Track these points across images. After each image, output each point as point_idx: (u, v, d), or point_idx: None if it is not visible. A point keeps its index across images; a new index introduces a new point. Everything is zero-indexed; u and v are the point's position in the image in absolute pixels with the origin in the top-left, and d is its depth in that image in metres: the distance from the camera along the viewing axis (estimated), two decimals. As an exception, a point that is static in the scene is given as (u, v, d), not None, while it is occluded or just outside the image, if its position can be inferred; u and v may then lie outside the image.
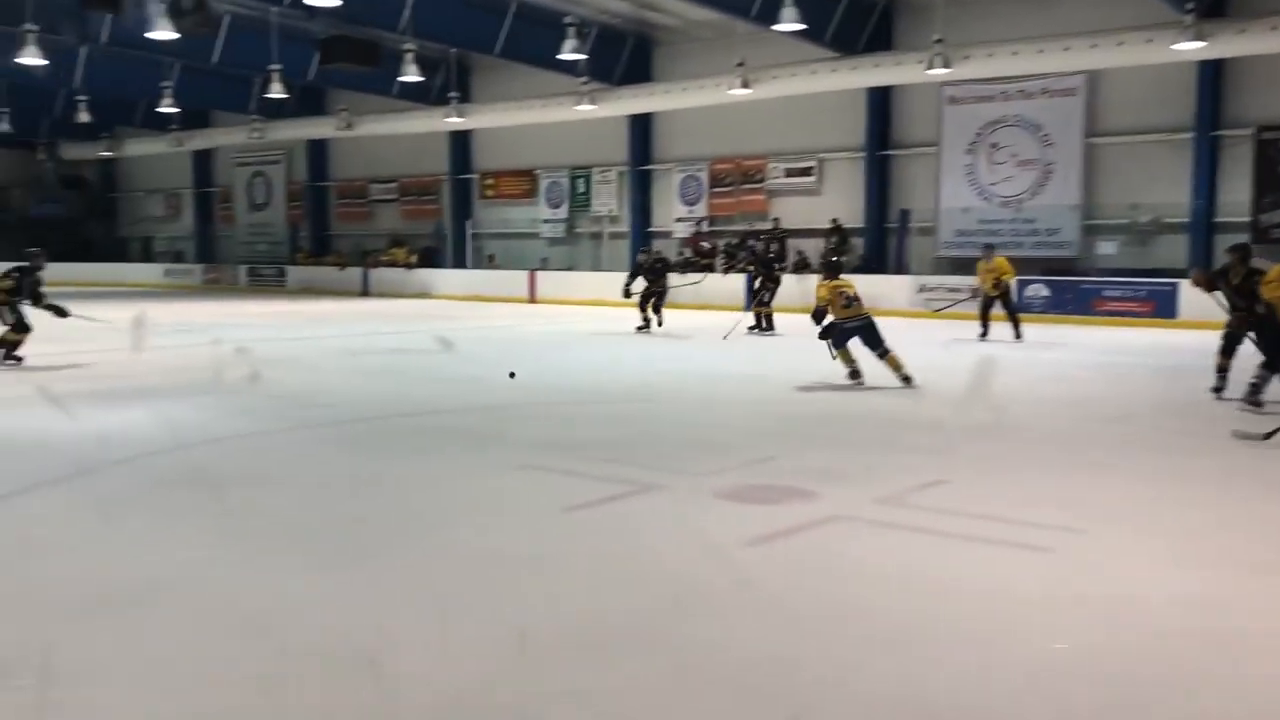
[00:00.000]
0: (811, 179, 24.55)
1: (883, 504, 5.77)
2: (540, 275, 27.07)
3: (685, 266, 24.86)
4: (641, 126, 26.70)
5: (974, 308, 16.25)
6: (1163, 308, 18.29)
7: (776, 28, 18.11)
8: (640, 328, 17.38)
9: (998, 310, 15.68)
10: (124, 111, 32.83)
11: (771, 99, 22.46)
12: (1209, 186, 19.55)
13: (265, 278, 33.66)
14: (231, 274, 34.74)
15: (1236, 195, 19.46)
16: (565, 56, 21.65)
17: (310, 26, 22.10)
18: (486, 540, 5.17)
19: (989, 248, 16.49)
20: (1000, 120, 21.86)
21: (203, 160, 37.38)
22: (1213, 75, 19.23)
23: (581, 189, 28.38)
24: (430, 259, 30.65)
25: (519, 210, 29.60)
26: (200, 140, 34.58)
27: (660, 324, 17.47)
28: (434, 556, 4.91)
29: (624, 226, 27.36)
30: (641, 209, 27.08)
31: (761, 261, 18.79)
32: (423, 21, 20.78)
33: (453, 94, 26.36)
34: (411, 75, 22.17)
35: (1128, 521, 5.52)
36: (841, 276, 10.97)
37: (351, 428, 8.48)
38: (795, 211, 24.57)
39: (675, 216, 26.57)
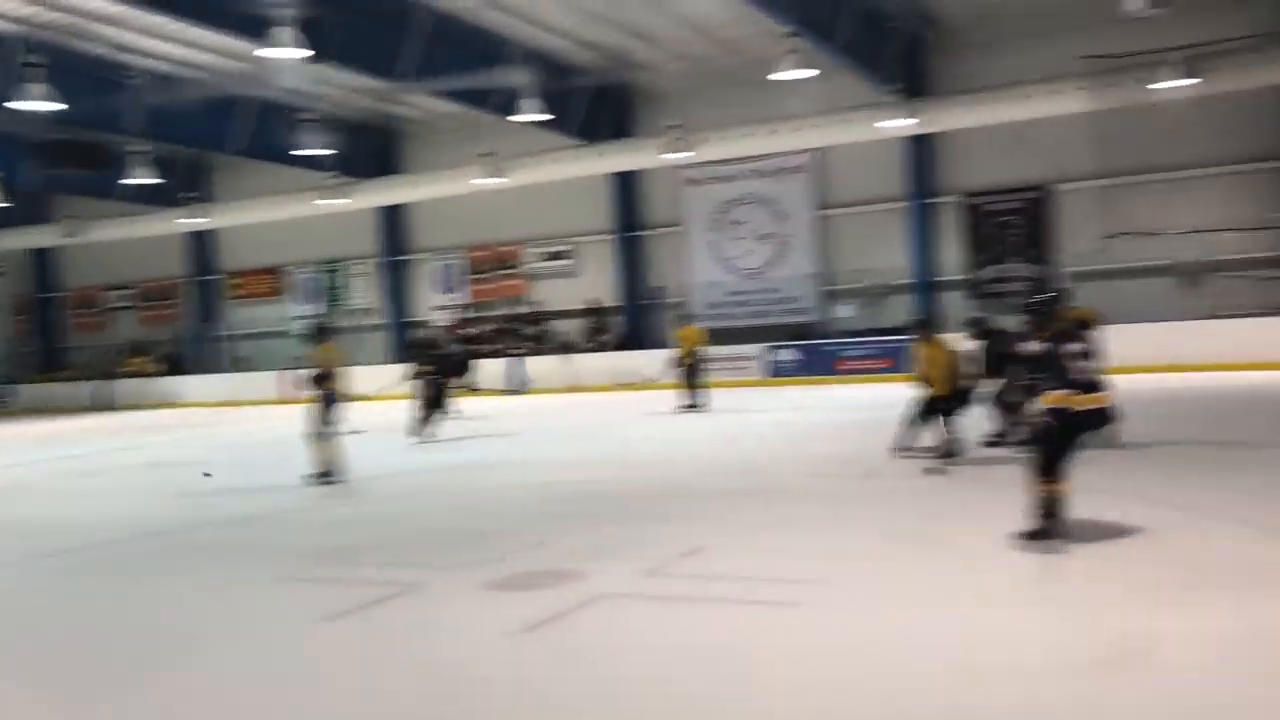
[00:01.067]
0: (568, 262, 25.04)
1: (646, 576, 5.88)
2: (294, 375, 26.10)
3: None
4: (392, 218, 26.54)
5: (680, 376, 16.37)
6: (899, 363, 19.62)
7: (515, 118, 18.51)
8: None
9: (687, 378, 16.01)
10: None
11: (523, 186, 22.85)
12: (925, 249, 21.28)
13: (-12, 399, 30.88)
14: (-53, 398, 31.68)
15: (951, 256, 21.27)
16: (308, 151, 21.30)
17: (26, 130, 20.80)
18: (240, 661, 4.91)
19: (685, 318, 17.21)
20: (738, 198, 23.11)
21: (-92, 276, 34.09)
22: (920, 148, 21.07)
23: (335, 283, 27.78)
24: (175, 365, 29.06)
25: (269, 309, 28.61)
26: (-97, 254, 31.59)
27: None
28: (184, 684, 4.61)
29: (382, 318, 26.92)
30: (397, 300, 26.77)
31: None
32: (152, 122, 19.94)
33: (190, 194, 25.34)
34: (144, 177, 21.20)
35: (872, 571, 5.86)
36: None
37: (95, 552, 7.86)
38: (554, 293, 24.95)
39: (432, 305, 26.41)
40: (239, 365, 28.24)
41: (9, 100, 15.91)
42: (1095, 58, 17.40)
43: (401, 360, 16.75)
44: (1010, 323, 10.19)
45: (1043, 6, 18.72)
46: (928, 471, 8.83)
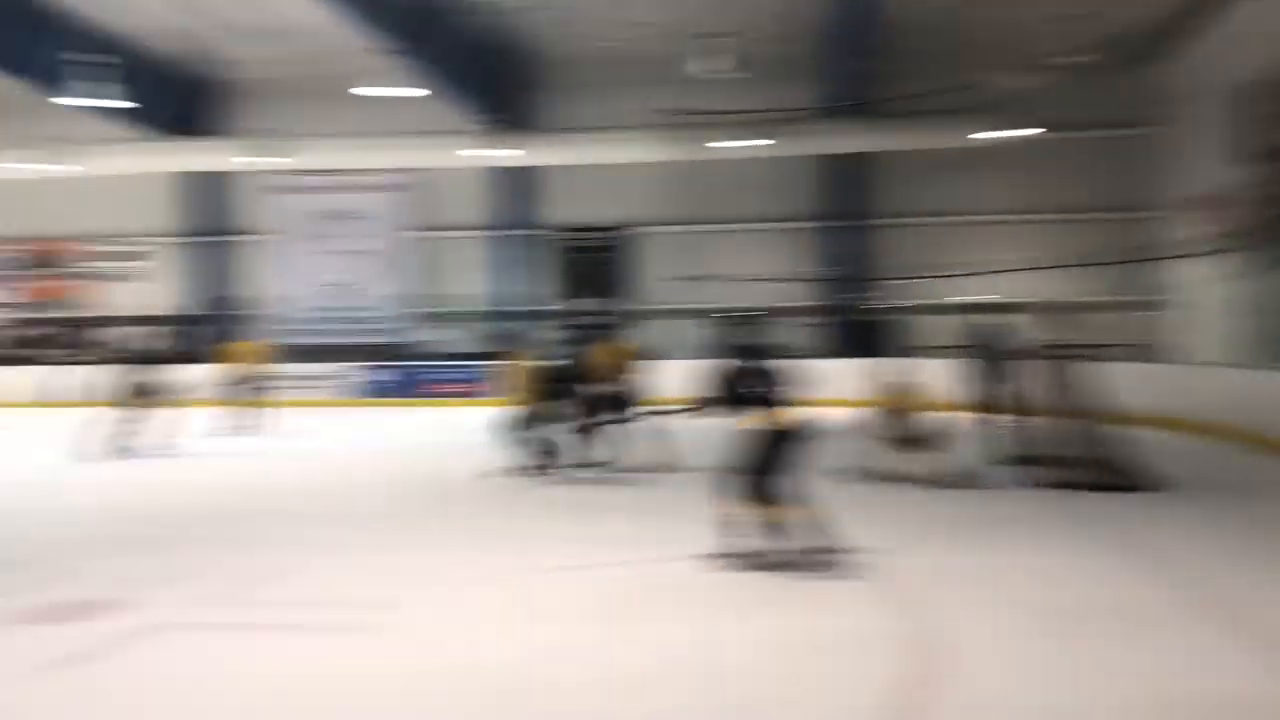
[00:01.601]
0: (138, 264, 22.96)
1: (206, 605, 5.56)
2: None
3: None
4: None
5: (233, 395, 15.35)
6: (487, 388, 19.96)
7: (62, 101, 16.71)
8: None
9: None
10: None
11: (87, 178, 20.67)
12: (517, 278, 21.87)
13: None
14: None
15: (544, 287, 22.03)
16: None
17: None
18: None
19: (244, 333, 16.54)
20: (330, 212, 22.46)
21: None
22: (517, 181, 21.69)
23: None
24: None
25: None
26: None
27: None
28: None
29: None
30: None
31: None
32: None
33: None
34: None
35: (448, 588, 5.92)
36: None
37: None
38: (122, 298, 22.75)
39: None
40: None
41: None
42: (667, 111, 18.78)
43: None
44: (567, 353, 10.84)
45: (631, 57, 19.91)
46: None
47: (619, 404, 10.23)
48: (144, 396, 12.32)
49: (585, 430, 10.05)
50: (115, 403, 12.22)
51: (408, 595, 5.72)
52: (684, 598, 5.68)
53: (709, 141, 18.65)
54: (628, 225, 21.76)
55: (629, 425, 10.22)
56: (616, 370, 10.51)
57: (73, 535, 7.61)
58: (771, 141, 18.50)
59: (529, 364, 10.33)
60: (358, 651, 4.81)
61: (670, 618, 5.32)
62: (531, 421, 9.97)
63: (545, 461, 9.87)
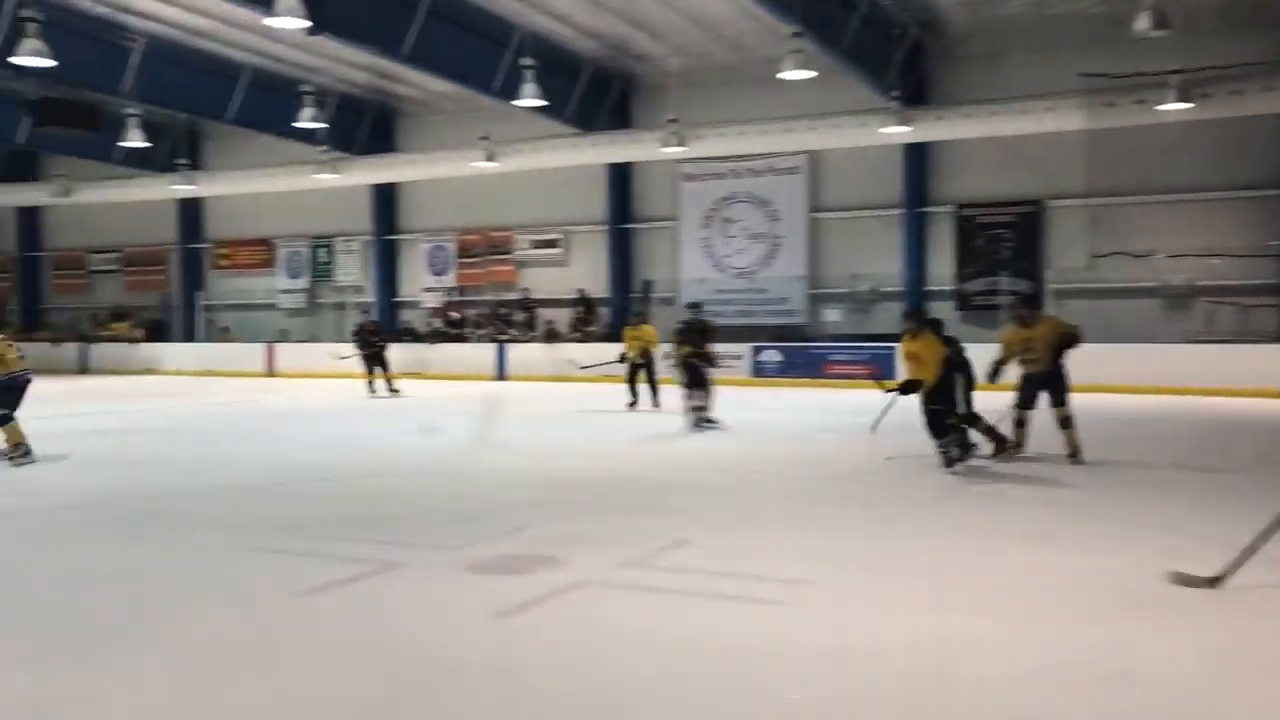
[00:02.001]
0: (558, 250, 24.99)
1: (628, 567, 5.87)
2: (279, 347, 26.04)
3: (436, 336, 24.71)
4: (385, 196, 26.42)
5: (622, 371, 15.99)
6: (884, 370, 19.67)
7: (517, 103, 18.44)
8: (373, 394, 18.19)
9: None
10: None
11: (518, 172, 22.80)
12: (918, 258, 21.35)
13: (-34, 356, 30.58)
14: (-76, 353, 31.36)
15: (941, 266, 21.33)
16: (303, 124, 21.19)
17: (21, 88, 20.60)
18: (213, 630, 4.86)
19: (638, 315, 16.92)
20: (732, 196, 23.10)
21: (-110, 228, 33.78)
22: (918, 156, 21.13)
23: (324, 259, 27.66)
24: (157, 332, 28.89)
25: (256, 280, 28.46)
26: (-113, 206, 31.27)
27: (395, 390, 18.14)
28: (157, 650, 4.56)
29: (369, 297, 26.83)
30: (387, 279, 26.69)
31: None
32: (148, 85, 19.78)
33: (181, 161, 25.18)
34: (136, 141, 21.02)
35: (856, 571, 5.86)
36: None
37: (65, 515, 7.80)
38: (543, 282, 24.89)
39: (423, 286, 26.33)
40: (223, 335, 28.10)
41: (4, 55, 15.74)
42: (1094, 76, 17.46)
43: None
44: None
45: (1045, 22, 18.77)
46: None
47: (1052, 386, 9.72)
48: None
49: (970, 417, 9.61)
50: (555, 377, 13.31)
51: (819, 573, 5.73)
52: (1110, 598, 5.22)
53: (1137, 105, 17.06)
54: (1038, 199, 20.50)
55: (1026, 410, 9.72)
56: (1024, 351, 9.94)
57: (511, 496, 8.38)
58: (1196, 104, 16.56)
59: (933, 345, 9.95)
60: (766, 625, 4.87)
61: (1099, 619, 4.91)
62: (943, 404, 9.61)
63: (953, 446, 9.51)
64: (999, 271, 20.54)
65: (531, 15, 18.41)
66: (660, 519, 7.30)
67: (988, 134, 19.23)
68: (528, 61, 17.90)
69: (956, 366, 9.53)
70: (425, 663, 4.38)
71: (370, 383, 18.52)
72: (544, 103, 18.70)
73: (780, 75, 16.49)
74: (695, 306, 14.39)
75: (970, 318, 19.95)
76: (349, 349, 19.20)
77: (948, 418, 9.28)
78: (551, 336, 23.66)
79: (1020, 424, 9.92)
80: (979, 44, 19.93)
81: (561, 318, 24.29)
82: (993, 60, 19.92)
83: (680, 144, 20.08)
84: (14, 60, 15.44)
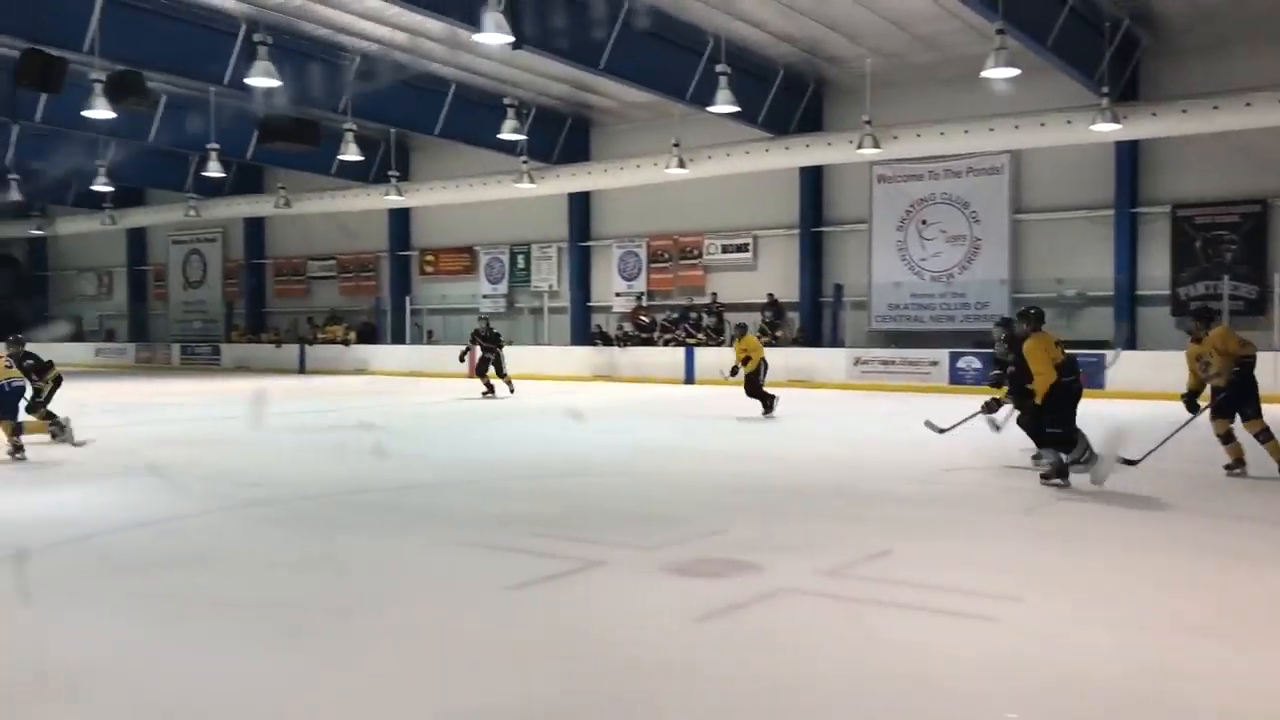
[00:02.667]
0: (747, 255, 24.99)
1: (827, 575, 5.82)
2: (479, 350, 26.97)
3: (625, 340, 25.12)
4: (580, 204, 27.08)
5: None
6: (1091, 379, 18.74)
7: (711, 109, 18.56)
8: (485, 394, 19.09)
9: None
10: (56, 189, 32.42)
11: (707, 178, 22.94)
12: (1130, 261, 20.26)
13: (199, 356, 33.20)
14: (165, 353, 34.21)
15: (1156, 269, 20.18)
16: (505, 136, 21.95)
17: (249, 106, 22.16)
18: (428, 620, 5.12)
19: (741, 327, 16.61)
20: (929, 198, 22.53)
21: (137, 238, 37.00)
22: (1130, 154, 20.07)
23: (521, 264, 28.58)
24: (368, 335, 30.51)
25: (458, 286, 29.68)
26: (135, 218, 34.24)
27: (511, 389, 19.03)
28: (375, 638, 4.84)
29: (564, 301, 27.56)
30: (581, 284, 27.34)
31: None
32: (363, 102, 20.98)
33: (392, 173, 26.52)
34: (351, 154, 22.27)
35: (1068, 587, 5.63)
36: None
37: (289, 507, 8.37)
38: (732, 286, 24.95)
39: (614, 291, 26.84)
40: (427, 338, 29.45)
41: (239, 77, 16.96)
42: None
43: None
44: None
45: (1272, 9, 17.49)
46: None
47: (1238, 399, 9.11)
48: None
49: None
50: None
51: (1029, 588, 5.53)
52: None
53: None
54: (1263, 198, 19.11)
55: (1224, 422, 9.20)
56: (1203, 367, 9.33)
57: (706, 498, 8.45)
58: None
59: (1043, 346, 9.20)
60: (976, 640, 4.74)
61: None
62: (1052, 413, 8.95)
63: (1056, 459, 8.91)
64: (1220, 275, 19.25)
65: (726, 22, 18.49)
66: (860, 527, 7.21)
67: (1207, 129, 18.06)
68: (721, 68, 17.99)
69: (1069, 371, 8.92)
70: (627, 663, 4.47)
71: (487, 384, 19.28)
72: (737, 109, 18.75)
73: (983, 73, 15.98)
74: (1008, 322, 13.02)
75: (1187, 323, 18.76)
76: (467, 350, 20.04)
77: (1052, 427, 8.70)
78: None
79: (1225, 439, 9.30)
80: (1197, 35, 18.75)
81: (750, 322, 24.25)
82: (1212, 52, 18.71)
83: (876, 145, 19.74)
84: (246, 81, 16.62)
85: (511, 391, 19.22)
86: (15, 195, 29.00)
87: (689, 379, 23.36)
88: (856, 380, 20.91)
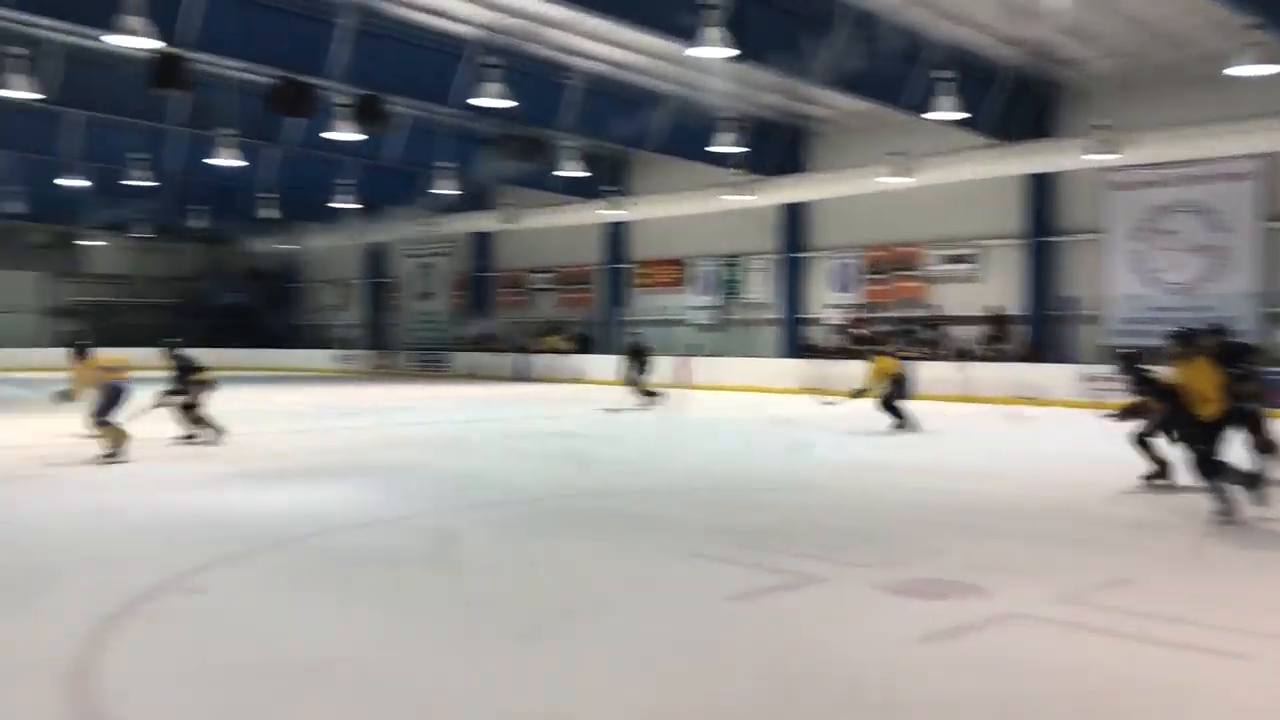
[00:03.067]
0: (970, 266, 24.17)
1: (1061, 602, 5.54)
2: (692, 362, 27.24)
3: (838, 353, 24.77)
4: (793, 215, 26.91)
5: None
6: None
7: (931, 116, 18.07)
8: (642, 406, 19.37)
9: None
10: (304, 207, 34.94)
11: (926, 186, 22.36)
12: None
13: (430, 363, 34.94)
14: (398, 360, 36.19)
15: None
16: (719, 149, 22.09)
17: (479, 126, 23.23)
18: (648, 627, 5.19)
19: (874, 353, 16.13)
20: (1168, 205, 21.14)
21: (375, 252, 39.37)
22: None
23: (733, 276, 28.65)
24: (584, 345, 31.33)
25: (671, 298, 30.04)
26: (373, 234, 36.42)
27: (654, 402, 19.41)
28: (596, 641, 4.96)
29: (775, 313, 27.44)
30: (792, 296, 27.15)
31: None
32: (586, 120, 21.58)
33: (609, 187, 27.13)
34: (573, 171, 22.94)
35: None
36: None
37: (514, 510, 8.68)
38: (954, 298, 24.19)
39: (826, 303, 26.51)
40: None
41: (469, 98, 17.80)
42: None
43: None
44: None
45: None
46: None
47: None
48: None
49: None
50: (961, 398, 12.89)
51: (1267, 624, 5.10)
52: None
53: None
54: None
55: None
56: None
57: (926, 517, 8.20)
58: None
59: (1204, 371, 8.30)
60: (1223, 679, 4.40)
61: None
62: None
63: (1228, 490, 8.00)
64: None
65: (948, 27, 17.98)
66: (1095, 553, 6.83)
67: None
68: (943, 74, 17.50)
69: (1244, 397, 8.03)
70: (849, 681, 4.40)
71: (640, 394, 19.62)
72: (960, 115, 18.19)
73: (1228, 71, 14.91)
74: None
75: None
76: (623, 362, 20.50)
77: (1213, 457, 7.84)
78: (961, 355, 22.90)
79: None
80: None
81: (973, 336, 23.45)
82: None
83: (1111, 151, 18.70)
84: (477, 102, 17.43)
85: (656, 403, 19.59)
86: (270, 213, 31.46)
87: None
88: (1085, 398, 19.81)
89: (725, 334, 28.80)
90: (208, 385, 12.73)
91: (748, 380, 23.91)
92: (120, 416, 11.11)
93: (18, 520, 8.02)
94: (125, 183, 25.62)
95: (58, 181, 27.85)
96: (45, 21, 16.22)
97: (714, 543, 7.13)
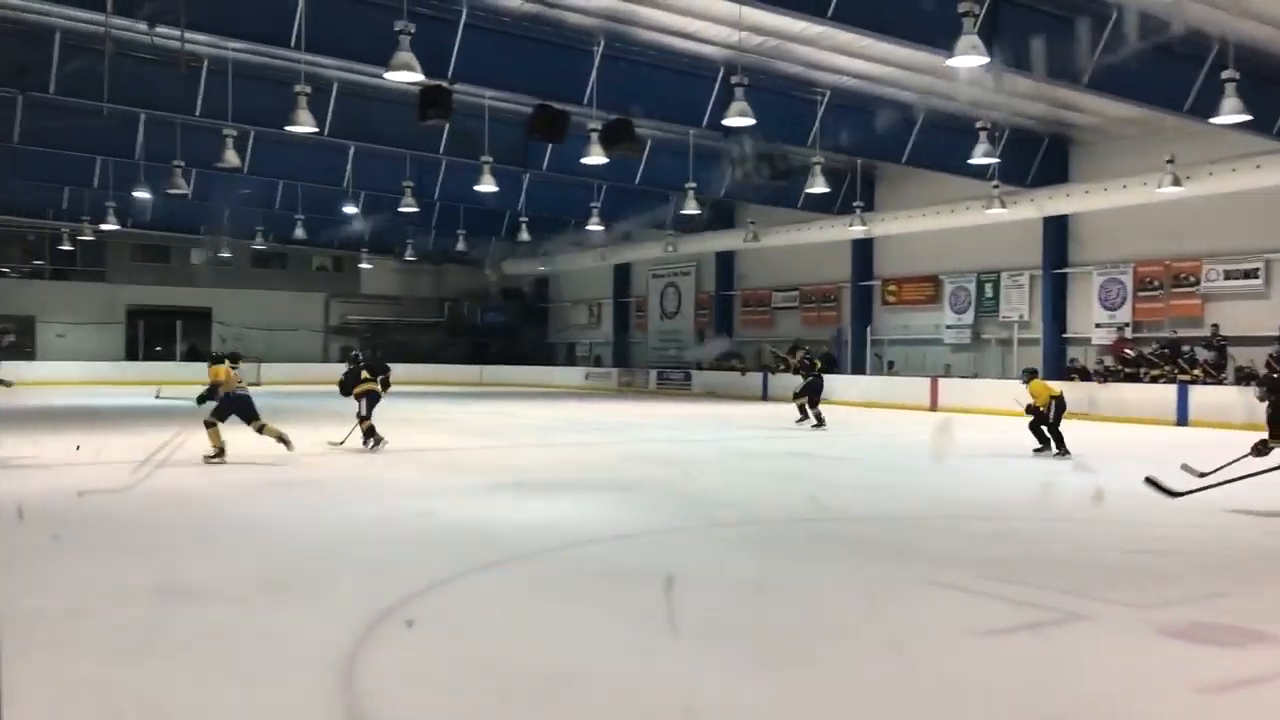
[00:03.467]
0: (1256, 282, 22.10)
1: (1370, 659, 4.89)
2: (942, 382, 26.30)
3: (1106, 375, 23.25)
4: (1057, 228, 25.50)
5: None
6: None
7: (1215, 120, 16.64)
8: (799, 421, 19.32)
9: None
10: (557, 230, 36.30)
11: (1205, 196, 20.64)
12: None
13: (673, 381, 35.43)
14: (643, 377, 36.91)
15: None
16: (975, 161, 21.22)
17: (724, 145, 23.35)
18: (891, 658, 4.94)
19: (1029, 372, 15.43)
20: None
21: (622, 273, 40.42)
22: None
23: (989, 293, 27.45)
24: (829, 365, 30.86)
25: (921, 316, 29.14)
26: (621, 254, 37.43)
27: (818, 422, 19.02)
28: (837, 669, 4.76)
29: (1035, 332, 26.05)
30: (1056, 314, 25.69)
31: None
32: (831, 135, 21.27)
33: (857, 203, 26.65)
34: (818, 187, 22.67)
35: None
36: None
37: (756, 529, 8.57)
38: (1236, 316, 22.18)
39: (1095, 321, 24.91)
40: (888, 369, 29.20)
41: (719, 119, 17.91)
42: None
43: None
44: None
45: None
46: None
47: None
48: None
49: None
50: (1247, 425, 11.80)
51: None
52: None
53: None
54: None
55: None
56: None
57: (1205, 555, 7.47)
58: None
59: None
60: None
61: None
62: None
63: None
64: None
65: (1234, 23, 16.52)
66: None
67: None
68: (1229, 74, 16.10)
69: None
70: (1121, 730, 4.03)
71: (810, 413, 19.28)
72: (1245, 117, 16.66)
73: None
74: None
75: None
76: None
77: None
78: (1245, 378, 20.91)
79: None
80: None
81: (1259, 357, 21.39)
82: None
83: None
84: (723, 122, 17.52)
85: (817, 423, 19.16)
86: (524, 236, 32.86)
87: (1181, 420, 21.04)
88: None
89: (981, 353, 27.63)
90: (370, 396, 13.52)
91: (1004, 403, 22.72)
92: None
93: (296, 523, 8.63)
94: (395, 210, 27.43)
95: (337, 209, 30.27)
96: (326, 61, 17.57)
97: (967, 573, 6.75)
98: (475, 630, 5.38)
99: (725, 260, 35.65)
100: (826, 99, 20.69)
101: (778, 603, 6.03)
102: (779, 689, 4.47)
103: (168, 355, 38.96)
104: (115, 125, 22.00)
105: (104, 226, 31.63)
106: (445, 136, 21.89)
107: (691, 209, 25.32)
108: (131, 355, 38.75)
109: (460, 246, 35.80)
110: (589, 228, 30.94)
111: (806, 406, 19.57)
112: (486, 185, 22.09)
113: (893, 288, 30.15)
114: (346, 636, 5.01)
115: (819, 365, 20.37)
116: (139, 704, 4.17)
